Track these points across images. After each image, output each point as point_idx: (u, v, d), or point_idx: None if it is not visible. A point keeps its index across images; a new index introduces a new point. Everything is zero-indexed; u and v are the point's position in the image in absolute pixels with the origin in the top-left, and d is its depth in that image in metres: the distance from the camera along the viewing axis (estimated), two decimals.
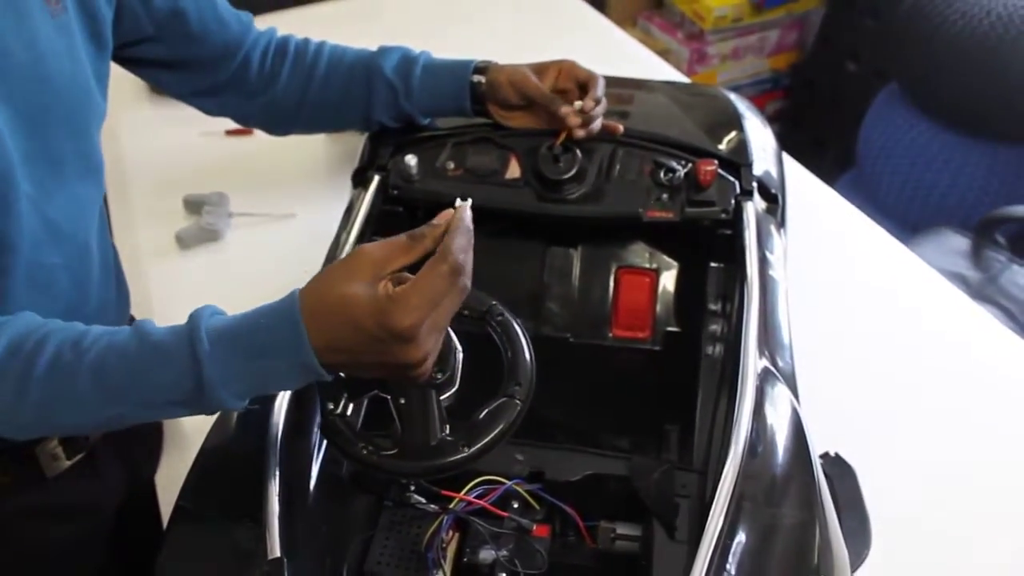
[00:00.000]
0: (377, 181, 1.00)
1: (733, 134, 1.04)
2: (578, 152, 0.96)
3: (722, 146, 1.01)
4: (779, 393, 0.74)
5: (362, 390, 0.70)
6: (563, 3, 2.01)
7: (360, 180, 1.03)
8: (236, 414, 0.76)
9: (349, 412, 0.69)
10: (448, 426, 0.67)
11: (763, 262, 0.89)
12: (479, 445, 0.66)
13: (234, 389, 0.61)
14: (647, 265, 1.04)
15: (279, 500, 0.67)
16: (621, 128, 0.99)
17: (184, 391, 0.61)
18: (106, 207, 1.43)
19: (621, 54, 1.82)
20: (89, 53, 0.77)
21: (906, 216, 2.13)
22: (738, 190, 0.96)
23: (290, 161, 1.49)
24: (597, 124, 0.97)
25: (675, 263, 1.03)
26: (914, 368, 1.11)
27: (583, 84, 0.97)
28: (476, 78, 0.99)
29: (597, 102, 0.96)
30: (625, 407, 0.99)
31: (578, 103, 0.95)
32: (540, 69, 0.99)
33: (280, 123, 1.07)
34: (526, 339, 0.71)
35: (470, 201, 0.65)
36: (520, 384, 0.69)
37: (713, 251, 0.97)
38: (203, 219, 1.38)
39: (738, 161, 0.99)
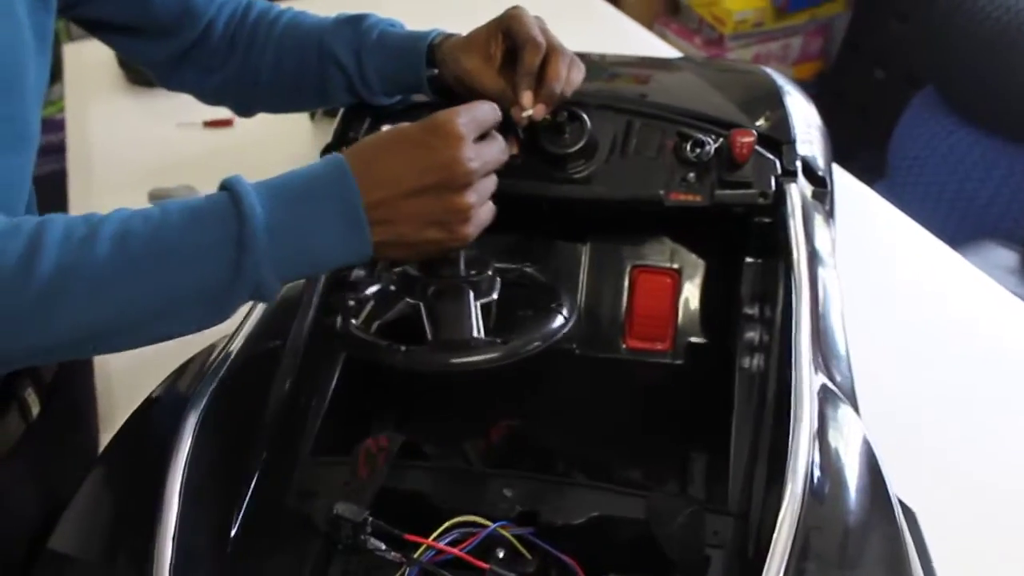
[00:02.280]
0: None
1: (772, 108, 0.87)
2: (587, 121, 0.80)
3: (760, 121, 0.85)
4: (844, 416, 0.58)
5: (391, 302, 0.70)
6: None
7: None
8: (138, 429, 0.63)
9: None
10: (483, 332, 0.66)
11: (812, 256, 0.73)
12: (514, 343, 0.64)
13: (277, 250, 0.56)
14: (668, 264, 0.88)
15: (174, 542, 0.51)
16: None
17: (223, 250, 0.55)
18: (65, 199, 1.33)
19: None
20: (28, 7, 0.67)
21: (943, 229, 1.96)
22: (779, 170, 0.80)
23: (272, 153, 1.35)
24: (562, 92, 0.78)
25: (702, 261, 0.87)
26: (975, 393, 0.93)
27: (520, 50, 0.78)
28: (430, 72, 0.85)
29: (532, 85, 0.77)
30: (641, 432, 0.83)
31: (525, 101, 0.76)
32: (486, 39, 0.81)
33: (241, 102, 0.96)
34: (564, 286, 0.73)
35: None
36: (564, 304, 0.69)
37: (749, 244, 0.81)
38: None
39: (779, 137, 0.82)
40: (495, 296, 0.69)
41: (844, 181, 1.31)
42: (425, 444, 0.78)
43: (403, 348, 0.64)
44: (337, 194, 0.58)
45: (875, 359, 0.86)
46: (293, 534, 0.63)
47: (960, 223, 1.97)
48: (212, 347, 0.71)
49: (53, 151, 1.51)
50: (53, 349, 0.57)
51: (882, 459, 0.57)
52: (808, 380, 0.58)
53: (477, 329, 0.65)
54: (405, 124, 0.62)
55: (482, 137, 0.63)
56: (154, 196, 1.28)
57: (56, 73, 1.78)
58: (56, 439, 0.81)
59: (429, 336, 0.66)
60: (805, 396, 0.57)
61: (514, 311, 0.71)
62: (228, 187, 0.57)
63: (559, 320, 0.68)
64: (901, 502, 0.71)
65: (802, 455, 0.53)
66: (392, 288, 0.71)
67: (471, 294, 0.67)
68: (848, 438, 0.57)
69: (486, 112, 0.63)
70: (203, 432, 0.60)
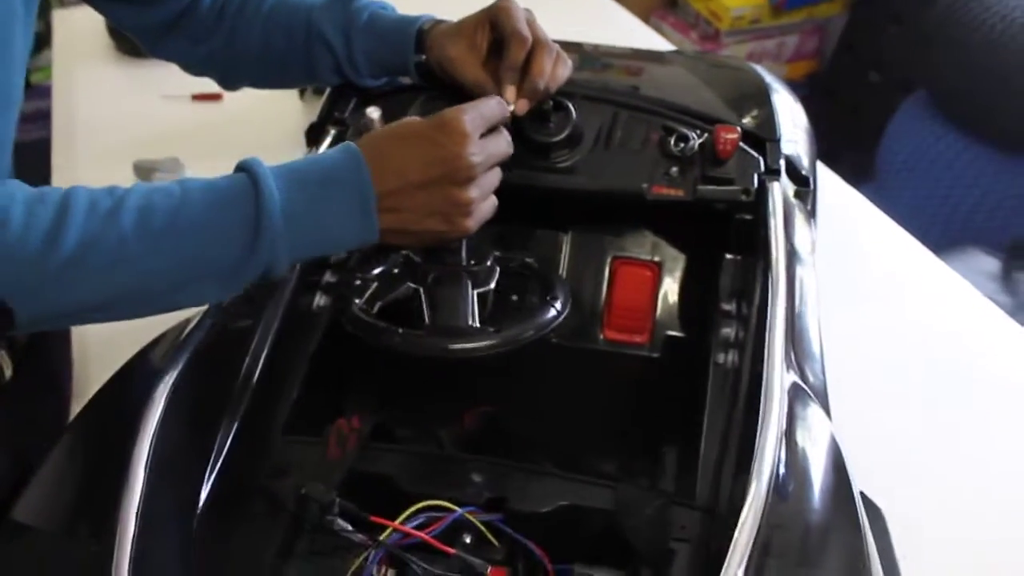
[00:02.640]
0: (331, 138, 0.84)
1: (758, 106, 0.87)
2: (573, 111, 0.80)
3: (745, 118, 0.85)
4: (813, 415, 0.58)
5: (392, 286, 0.71)
6: None
7: (315, 138, 0.87)
8: (108, 400, 0.64)
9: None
10: (479, 320, 0.68)
11: (791, 255, 0.73)
12: (508, 332, 0.65)
13: (292, 233, 0.58)
14: (649, 256, 0.87)
15: (138, 515, 0.51)
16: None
17: (240, 231, 0.57)
18: (48, 167, 1.32)
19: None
20: None
21: (928, 233, 1.95)
22: (762, 168, 0.80)
23: (260, 129, 1.35)
24: (546, 87, 0.78)
25: (682, 255, 0.87)
26: (949, 394, 0.94)
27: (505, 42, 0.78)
28: (418, 57, 0.85)
29: (516, 80, 0.77)
30: (614, 424, 0.83)
31: (508, 95, 0.76)
32: (473, 28, 0.81)
33: (226, 75, 0.95)
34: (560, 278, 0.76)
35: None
36: (558, 297, 0.71)
37: (729, 240, 0.81)
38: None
39: (763, 135, 0.82)
40: (493, 285, 0.71)
41: (831, 182, 1.31)
42: (399, 426, 0.78)
43: (400, 331, 0.65)
44: (353, 182, 0.60)
45: (850, 360, 0.86)
46: (260, 512, 0.63)
47: (945, 228, 1.98)
48: (187, 320, 0.71)
49: (40, 118, 1.49)
50: (67, 315, 0.58)
51: (849, 459, 0.58)
52: (779, 378, 0.58)
53: (472, 317, 0.67)
54: (415, 119, 0.65)
55: (489, 132, 0.66)
56: (139, 167, 1.26)
57: (45, 40, 1.76)
58: (28, 403, 0.80)
59: (427, 320, 0.68)
60: (775, 393, 0.57)
61: (511, 300, 0.74)
62: (246, 169, 0.59)
63: (552, 312, 0.70)
64: (868, 500, 0.72)
65: (768, 452, 0.53)
66: (395, 271, 0.73)
67: (469, 283, 0.69)
68: (816, 437, 0.57)
69: (493, 109, 0.67)
70: (172, 405, 0.59)
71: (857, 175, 2.24)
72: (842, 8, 2.64)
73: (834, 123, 2.64)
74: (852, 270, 1.07)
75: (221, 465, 0.62)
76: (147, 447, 0.56)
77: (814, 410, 0.59)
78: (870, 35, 2.50)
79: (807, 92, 2.77)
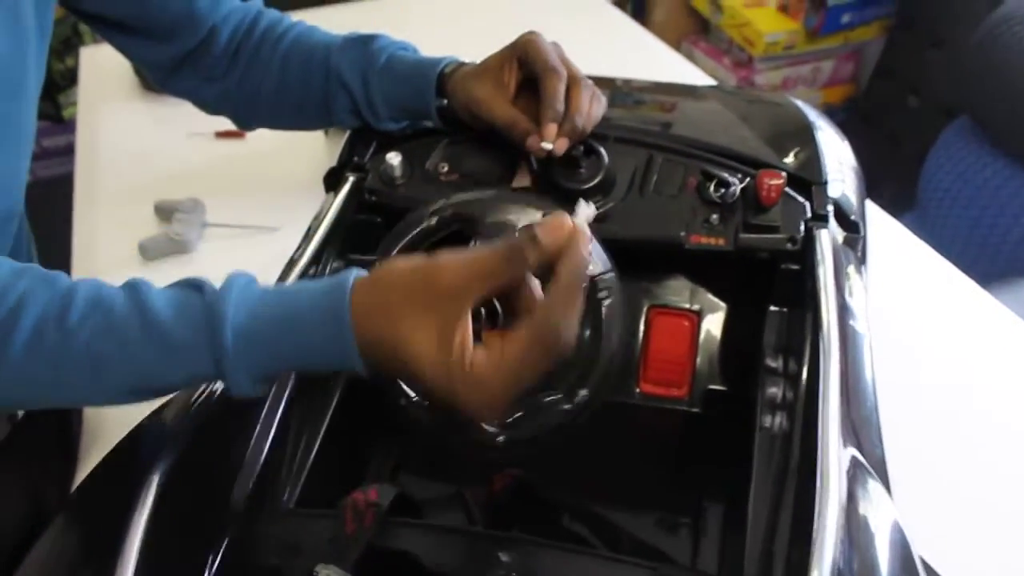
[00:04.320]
0: (351, 183, 0.80)
1: (802, 145, 0.82)
2: (604, 156, 0.75)
3: (789, 159, 0.80)
4: (875, 496, 0.52)
5: None
6: (609, 18, 1.84)
7: (333, 183, 0.84)
8: (107, 468, 0.61)
9: None
10: None
11: (843, 309, 0.68)
12: (517, 430, 0.58)
13: (257, 383, 0.53)
14: (687, 305, 0.82)
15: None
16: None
17: (197, 383, 0.58)
18: (66, 203, 1.30)
19: (668, 75, 1.62)
20: (35, 4, 0.66)
21: (974, 265, 1.90)
22: (808, 214, 0.75)
23: (284, 168, 1.33)
24: (583, 127, 0.74)
25: (723, 304, 0.82)
26: (1001, 439, 0.87)
27: (541, 79, 0.74)
28: (439, 101, 0.81)
29: (559, 117, 0.72)
30: (651, 486, 0.78)
31: (548, 133, 0.72)
32: (500, 66, 0.77)
33: (241, 115, 0.93)
34: (620, 323, 0.62)
35: (593, 207, 0.53)
36: (582, 385, 0.60)
37: (775, 291, 0.75)
38: (172, 228, 1.22)
39: (809, 178, 0.77)
40: None
41: (869, 211, 1.25)
42: (423, 491, 0.74)
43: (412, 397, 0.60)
44: (335, 363, 0.52)
45: (898, 406, 0.80)
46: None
47: (993, 260, 1.90)
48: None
49: (71, 152, 1.49)
50: (33, 405, 0.57)
51: (913, 541, 0.52)
52: (836, 454, 0.53)
53: None
54: (428, 356, 0.49)
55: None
56: (159, 208, 1.25)
57: (73, 76, 1.76)
58: (41, 439, 0.80)
59: None
60: (833, 474, 0.51)
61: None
62: (210, 324, 0.51)
63: (560, 411, 0.61)
64: (928, 566, 0.66)
65: (828, 543, 0.48)
66: None
67: None
68: (879, 524, 0.51)
69: (533, 363, 0.49)
70: (173, 484, 0.55)
71: (897, 204, 2.18)
72: (879, 32, 2.58)
73: (872, 151, 2.58)
74: (892, 304, 1.01)
75: (227, 543, 0.58)
76: (142, 527, 0.52)
77: (875, 489, 0.53)
78: (909, 59, 2.44)
79: (843, 119, 2.72)
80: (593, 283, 0.62)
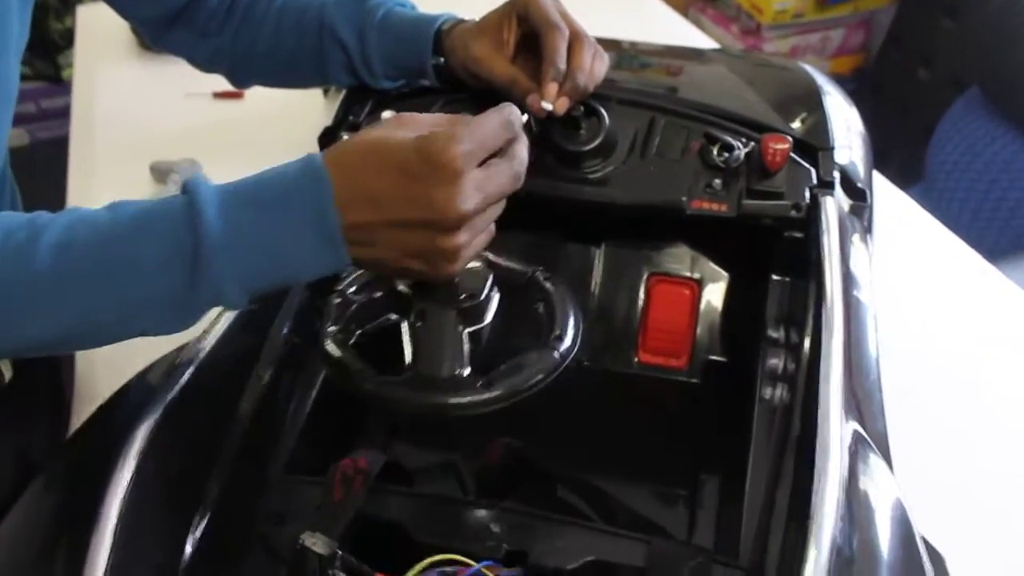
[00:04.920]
0: None
1: (809, 110, 0.80)
2: (605, 117, 0.73)
3: (795, 124, 0.78)
4: (876, 472, 0.51)
5: (372, 315, 0.62)
6: None
7: (328, 142, 0.82)
8: (89, 436, 0.59)
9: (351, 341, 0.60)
10: (469, 368, 0.57)
11: (847, 279, 0.66)
12: (498, 391, 0.55)
13: (238, 265, 0.50)
14: (688, 273, 0.81)
15: (107, 571, 0.46)
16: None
17: (175, 266, 0.50)
18: (64, 165, 1.29)
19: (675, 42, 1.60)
20: None
21: (982, 239, 1.88)
22: (814, 180, 0.73)
23: (282, 129, 1.30)
24: (585, 85, 0.72)
25: (724, 273, 0.80)
26: (1007, 417, 0.85)
27: (542, 35, 0.72)
28: (435, 59, 0.79)
29: (560, 76, 0.70)
30: (648, 456, 0.76)
31: (549, 92, 0.70)
32: (499, 23, 0.75)
33: (235, 72, 0.91)
34: (574, 303, 0.62)
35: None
36: (562, 338, 0.59)
37: (777, 259, 0.73)
38: (167, 189, 1.21)
39: (816, 144, 0.75)
40: (488, 321, 0.60)
41: (876, 183, 1.23)
42: (416, 460, 0.72)
43: (376, 375, 0.57)
44: (311, 207, 0.51)
45: (897, 379, 0.79)
46: (254, 563, 0.57)
47: (1001, 233, 1.88)
48: (186, 344, 0.65)
49: (69, 113, 1.46)
50: (12, 351, 0.54)
51: (914, 520, 0.51)
52: (838, 429, 0.51)
53: (460, 364, 0.57)
54: (398, 136, 0.52)
55: (491, 155, 0.54)
56: (155, 169, 1.23)
57: (72, 36, 1.73)
58: (29, 401, 0.78)
59: (408, 359, 0.58)
60: (833, 449, 0.50)
61: (510, 337, 0.62)
62: (187, 191, 0.51)
63: (552, 359, 0.58)
64: (929, 545, 0.65)
65: (827, 516, 0.46)
66: (377, 295, 0.63)
67: (460, 326, 0.58)
68: (880, 501, 0.50)
69: (495, 131, 0.53)
70: (158, 443, 0.54)
71: (904, 176, 2.16)
72: (890, 0, 2.54)
73: (880, 121, 2.54)
74: (898, 278, 0.99)
75: (213, 509, 0.56)
76: (123, 487, 0.51)
77: (876, 464, 0.52)
78: (920, 29, 2.40)
79: (852, 89, 2.68)
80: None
